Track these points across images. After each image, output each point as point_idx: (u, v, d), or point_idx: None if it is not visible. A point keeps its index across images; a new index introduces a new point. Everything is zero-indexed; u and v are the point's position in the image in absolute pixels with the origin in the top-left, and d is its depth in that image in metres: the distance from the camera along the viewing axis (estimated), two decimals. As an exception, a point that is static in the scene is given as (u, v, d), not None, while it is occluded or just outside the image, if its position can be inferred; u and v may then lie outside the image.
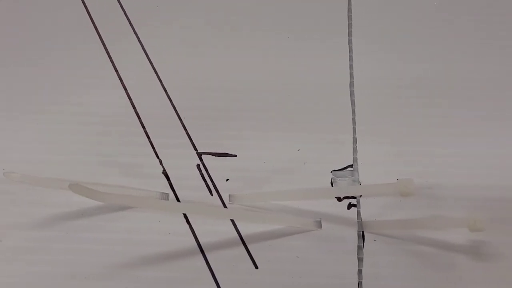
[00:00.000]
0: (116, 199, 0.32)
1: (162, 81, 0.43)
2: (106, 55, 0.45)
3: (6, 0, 0.48)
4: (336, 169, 0.39)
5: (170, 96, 0.42)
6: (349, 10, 0.47)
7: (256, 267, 0.35)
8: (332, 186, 0.38)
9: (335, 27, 0.46)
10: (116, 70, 0.44)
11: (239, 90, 0.43)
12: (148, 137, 0.41)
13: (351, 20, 0.46)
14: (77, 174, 0.39)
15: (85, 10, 0.47)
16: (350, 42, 0.45)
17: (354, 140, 0.40)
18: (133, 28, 0.46)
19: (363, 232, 0.37)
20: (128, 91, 0.43)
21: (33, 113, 0.42)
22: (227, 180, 0.39)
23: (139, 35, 0.46)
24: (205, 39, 0.46)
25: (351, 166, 0.39)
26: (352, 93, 0.42)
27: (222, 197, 0.38)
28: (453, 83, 0.43)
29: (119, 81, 0.43)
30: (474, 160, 0.39)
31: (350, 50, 0.44)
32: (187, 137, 0.41)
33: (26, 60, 0.45)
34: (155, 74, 0.44)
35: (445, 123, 0.41)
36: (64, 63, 0.44)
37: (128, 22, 0.46)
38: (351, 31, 0.46)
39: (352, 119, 0.41)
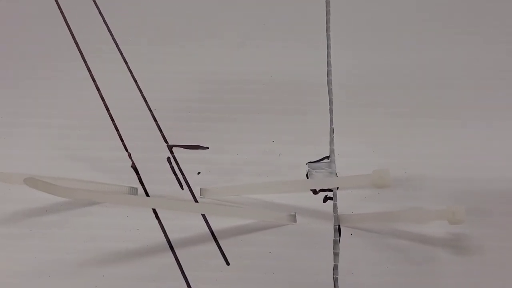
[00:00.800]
0: (77, 194, 0.30)
1: (132, 71, 0.42)
2: (75, 45, 0.43)
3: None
4: (312, 161, 0.38)
5: (140, 86, 0.41)
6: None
7: (228, 264, 0.34)
8: (307, 178, 0.37)
9: (312, 16, 0.44)
10: (85, 61, 0.42)
11: (211, 80, 0.41)
12: (117, 129, 0.39)
13: (329, 7, 0.45)
14: (41, 169, 0.37)
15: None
16: (328, 29, 0.43)
17: (331, 131, 0.39)
18: (103, 18, 0.44)
19: (339, 226, 0.35)
20: (97, 82, 0.41)
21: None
22: (199, 173, 0.37)
23: (109, 24, 0.44)
24: (177, 28, 0.44)
25: (327, 157, 0.38)
26: (329, 82, 0.41)
27: (193, 191, 0.37)
28: (430, 75, 0.41)
29: (87, 72, 0.42)
30: (453, 151, 0.38)
31: (328, 38, 0.43)
32: (157, 129, 0.39)
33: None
34: (125, 64, 0.42)
35: (423, 113, 0.39)
36: (30, 55, 0.43)
37: (98, 11, 0.45)
38: (329, 18, 0.44)
39: (329, 109, 0.40)
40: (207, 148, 0.38)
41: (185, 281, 0.33)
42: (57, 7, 0.45)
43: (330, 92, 0.40)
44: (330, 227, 0.35)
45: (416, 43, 0.43)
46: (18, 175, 0.35)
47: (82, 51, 0.43)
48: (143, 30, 0.44)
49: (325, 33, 0.43)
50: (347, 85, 0.41)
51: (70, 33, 0.44)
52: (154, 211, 0.36)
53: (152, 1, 0.46)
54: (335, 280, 0.33)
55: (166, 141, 0.39)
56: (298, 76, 0.41)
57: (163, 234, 0.35)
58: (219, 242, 0.35)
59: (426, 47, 0.43)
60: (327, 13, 0.44)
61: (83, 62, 0.42)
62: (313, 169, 0.37)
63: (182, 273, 0.34)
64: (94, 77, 0.41)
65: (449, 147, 0.38)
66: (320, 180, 0.36)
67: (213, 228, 0.35)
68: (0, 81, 0.41)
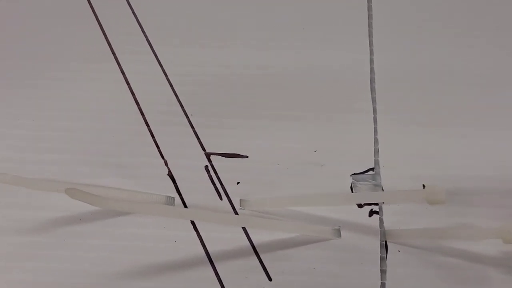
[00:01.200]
0: (117, 205, 0.29)
1: (168, 75, 0.40)
2: (108, 47, 0.42)
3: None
4: (356, 172, 0.36)
5: (176, 92, 0.39)
6: (369, 0, 0.44)
7: (270, 279, 0.33)
8: (352, 190, 0.35)
9: (354, 18, 0.43)
10: (118, 63, 0.41)
11: (251, 85, 0.40)
12: (152, 136, 0.37)
13: (371, 11, 0.43)
14: (74, 175, 0.36)
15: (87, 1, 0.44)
16: (370, 34, 0.42)
17: (376, 141, 0.37)
18: (137, 19, 0.43)
19: (386, 241, 0.34)
20: (131, 85, 0.40)
21: (28, 107, 0.39)
22: (238, 183, 0.36)
23: (142, 24, 0.43)
24: (214, 31, 0.42)
25: (372, 169, 0.36)
26: (373, 90, 0.39)
27: (233, 201, 0.35)
28: (479, 76, 0.40)
29: (121, 74, 0.40)
30: (508, 163, 0.36)
31: (371, 44, 0.41)
32: (194, 136, 0.37)
33: (22, 53, 0.42)
34: (160, 68, 0.40)
35: (474, 119, 0.38)
36: (63, 55, 0.41)
37: (131, 11, 0.43)
38: (371, 22, 0.42)
39: (373, 118, 0.38)
40: (247, 157, 0.37)
41: (225, 297, 0.32)
42: (89, 6, 0.44)
43: (373, 100, 0.39)
44: (376, 243, 0.34)
45: (468, 47, 0.41)
46: (51, 182, 0.34)
47: (115, 52, 0.41)
48: (179, 32, 0.42)
49: (368, 39, 0.42)
50: (391, 93, 0.39)
51: (103, 33, 0.42)
52: (192, 222, 0.34)
53: (188, 0, 0.44)
54: (382, 298, 0.32)
55: (203, 149, 0.37)
56: (340, 82, 0.40)
57: (201, 247, 0.34)
58: (261, 256, 0.33)
59: (477, 46, 0.41)
60: (369, 17, 0.42)
61: (116, 64, 0.41)
62: (358, 181, 0.36)
63: (222, 288, 0.32)
64: (128, 80, 0.40)
65: (503, 159, 0.36)
66: (368, 194, 0.35)
67: (254, 242, 0.34)
68: (31, 82, 0.40)
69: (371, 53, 0.41)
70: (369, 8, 0.43)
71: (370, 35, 0.42)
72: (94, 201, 0.28)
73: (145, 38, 0.42)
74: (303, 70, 0.40)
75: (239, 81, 0.40)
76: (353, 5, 0.43)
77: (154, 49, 0.41)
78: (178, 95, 0.39)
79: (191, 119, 0.38)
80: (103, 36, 0.42)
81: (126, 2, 0.44)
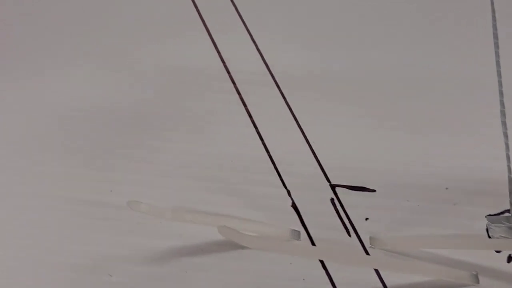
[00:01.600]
0: (264, 244, 0.27)
1: (286, 97, 0.38)
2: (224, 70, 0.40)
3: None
4: (491, 213, 0.34)
5: (296, 116, 0.37)
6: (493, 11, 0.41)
7: (407, 326, 0.31)
8: (487, 232, 0.34)
9: (479, 28, 0.40)
10: (233, 83, 0.39)
11: (376, 101, 0.38)
12: (273, 163, 0.36)
13: (495, 21, 0.40)
14: (197, 202, 0.34)
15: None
16: (496, 46, 0.39)
17: (510, 181, 0.35)
18: (249, 33, 0.41)
19: (527, 291, 0.32)
20: (248, 106, 0.38)
21: (149, 139, 0.37)
22: (367, 219, 0.34)
23: (253, 36, 0.41)
24: (328, 41, 0.40)
25: (508, 210, 0.34)
26: (502, 114, 0.36)
27: (362, 239, 0.33)
28: None
29: (242, 107, 0.38)
30: None
31: (497, 55, 0.38)
32: (317, 165, 0.36)
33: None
34: (279, 91, 0.39)
35: None
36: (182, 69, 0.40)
37: (240, 19, 0.41)
38: (495, 24, 0.40)
39: (506, 155, 0.36)
40: (374, 191, 0.35)
41: None
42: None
43: (504, 133, 0.36)
44: (517, 292, 0.32)
45: None
46: (184, 213, 0.33)
47: (232, 75, 0.39)
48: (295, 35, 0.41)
49: (493, 49, 0.39)
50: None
51: (215, 47, 0.41)
52: (321, 260, 0.33)
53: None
54: None
55: (328, 180, 0.35)
56: (466, 106, 0.37)
57: (332, 287, 0.32)
58: (395, 300, 0.32)
59: None
60: (494, 27, 0.40)
61: (236, 92, 0.39)
62: (492, 223, 0.34)
63: (355, 334, 0.31)
64: (250, 111, 0.38)
65: None
66: (507, 242, 0.32)
67: (387, 284, 0.32)
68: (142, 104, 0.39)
69: (498, 65, 0.38)
70: (494, 19, 0.40)
71: (496, 46, 0.39)
72: (242, 240, 0.27)
73: (258, 53, 0.40)
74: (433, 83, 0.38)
75: (362, 100, 0.38)
76: (477, 13, 0.41)
77: (267, 64, 0.39)
78: (298, 119, 0.37)
79: (313, 146, 0.36)
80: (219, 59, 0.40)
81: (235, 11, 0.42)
